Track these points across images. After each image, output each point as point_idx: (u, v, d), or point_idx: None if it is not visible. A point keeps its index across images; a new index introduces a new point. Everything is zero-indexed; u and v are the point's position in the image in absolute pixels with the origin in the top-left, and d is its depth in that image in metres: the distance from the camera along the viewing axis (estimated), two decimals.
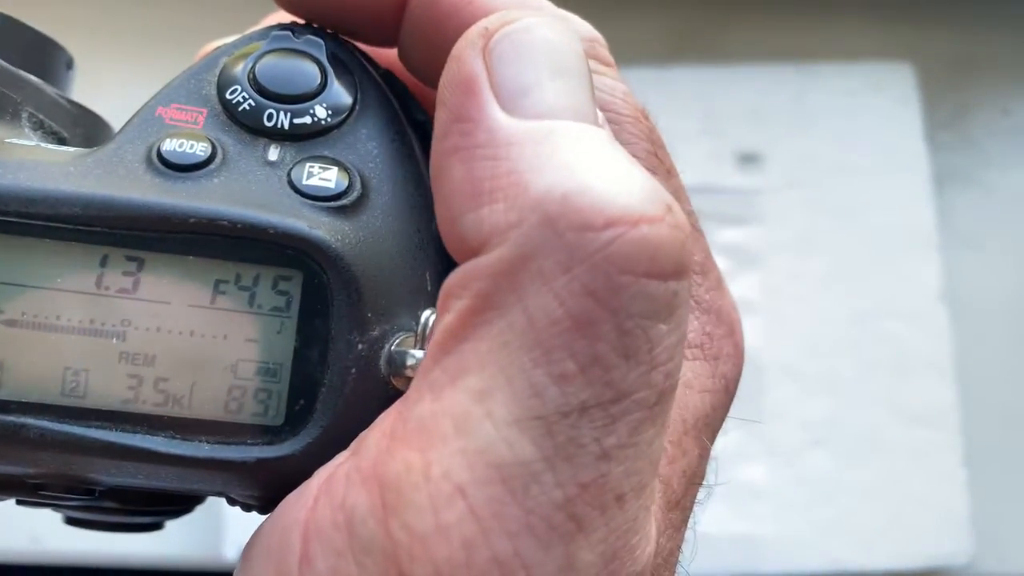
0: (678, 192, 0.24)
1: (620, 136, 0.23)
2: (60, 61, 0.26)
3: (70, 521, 0.25)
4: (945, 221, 0.59)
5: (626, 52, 0.29)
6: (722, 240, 0.58)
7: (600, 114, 0.21)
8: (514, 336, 0.18)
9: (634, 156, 0.21)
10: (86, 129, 0.25)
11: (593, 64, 0.23)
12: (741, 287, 0.57)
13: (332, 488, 0.19)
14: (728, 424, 0.54)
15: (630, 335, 0.18)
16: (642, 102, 0.25)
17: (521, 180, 0.18)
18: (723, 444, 0.55)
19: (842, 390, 0.55)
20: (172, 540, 0.52)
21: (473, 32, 0.20)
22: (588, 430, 0.17)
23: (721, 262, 0.57)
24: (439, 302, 0.19)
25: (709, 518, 0.53)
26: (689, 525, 0.23)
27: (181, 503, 0.25)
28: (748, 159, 0.60)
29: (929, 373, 0.55)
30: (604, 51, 0.25)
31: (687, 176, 0.25)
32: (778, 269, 0.58)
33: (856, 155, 0.59)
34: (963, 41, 0.63)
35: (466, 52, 0.20)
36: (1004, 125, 0.63)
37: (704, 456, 0.23)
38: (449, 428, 0.18)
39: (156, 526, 0.26)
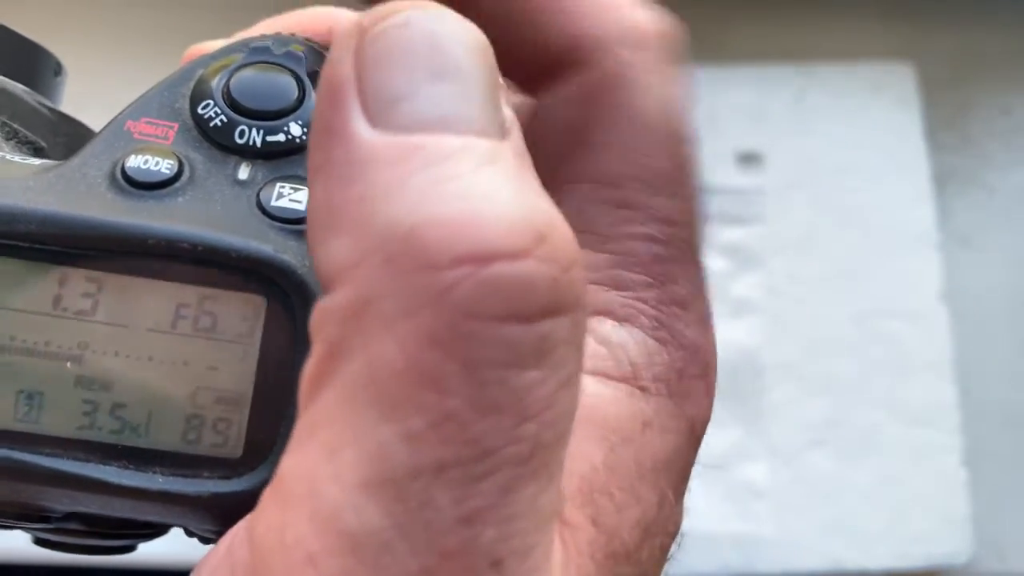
0: (687, 218, 0.21)
1: (640, 160, 0.20)
2: (47, 67, 0.25)
3: (38, 542, 0.24)
4: (945, 221, 0.59)
5: None
6: (722, 240, 0.58)
7: (509, 117, 0.17)
8: (360, 388, 0.16)
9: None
10: (68, 138, 0.24)
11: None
12: (741, 287, 0.57)
13: (233, 536, 0.18)
14: (728, 424, 0.54)
15: (487, 387, 0.15)
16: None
17: (370, 209, 0.16)
18: (723, 444, 0.55)
19: (842, 390, 0.55)
20: (174, 539, 0.52)
21: (347, 29, 0.17)
22: (445, 493, 0.15)
23: (721, 262, 0.57)
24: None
25: (709, 518, 0.53)
26: None
27: (153, 526, 0.24)
28: (748, 159, 0.60)
29: (929, 373, 0.55)
30: (675, 48, 0.21)
31: None
32: (778, 269, 0.58)
33: (856, 155, 0.59)
34: (963, 41, 0.63)
35: (336, 53, 0.17)
36: (1004, 125, 0.63)
37: (664, 503, 0.20)
38: (303, 488, 0.16)
39: (128, 549, 0.25)
